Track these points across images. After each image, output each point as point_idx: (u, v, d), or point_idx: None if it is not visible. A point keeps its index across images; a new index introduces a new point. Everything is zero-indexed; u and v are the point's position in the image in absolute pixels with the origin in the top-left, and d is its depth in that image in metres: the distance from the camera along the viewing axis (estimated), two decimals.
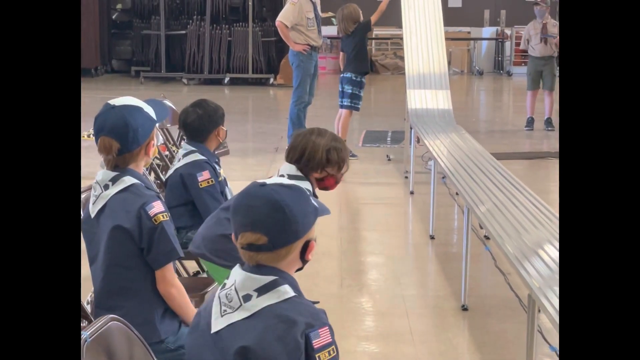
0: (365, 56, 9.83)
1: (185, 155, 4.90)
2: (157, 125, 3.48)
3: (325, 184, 3.94)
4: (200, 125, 4.87)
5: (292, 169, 3.91)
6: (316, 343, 2.32)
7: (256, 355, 2.32)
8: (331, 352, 2.33)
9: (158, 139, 6.25)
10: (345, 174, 4.01)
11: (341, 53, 10.03)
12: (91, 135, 8.26)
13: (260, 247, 2.38)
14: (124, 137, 3.32)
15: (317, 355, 2.32)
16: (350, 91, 9.78)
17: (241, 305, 2.37)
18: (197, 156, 4.84)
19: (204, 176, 4.78)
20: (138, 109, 3.37)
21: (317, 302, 2.46)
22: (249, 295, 2.38)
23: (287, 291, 2.38)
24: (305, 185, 3.85)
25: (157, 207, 3.33)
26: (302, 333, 2.32)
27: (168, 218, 3.36)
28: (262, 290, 2.38)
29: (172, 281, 3.38)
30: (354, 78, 9.75)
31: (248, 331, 2.36)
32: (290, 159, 3.93)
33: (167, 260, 3.35)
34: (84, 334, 2.38)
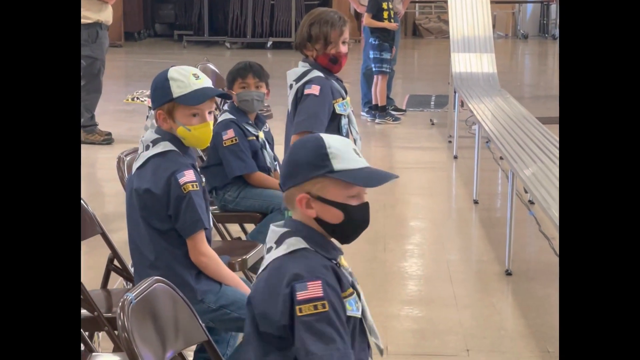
0: (381, 18, 9.70)
1: (220, 114, 5.08)
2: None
3: (335, 60, 4.16)
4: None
5: (300, 68, 4.19)
6: (300, 295, 2.25)
7: (254, 307, 2.34)
8: (318, 306, 2.25)
9: None
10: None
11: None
12: (135, 99, 8.30)
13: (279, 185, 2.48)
14: (151, 91, 3.44)
15: (298, 307, 2.25)
16: (372, 56, 9.74)
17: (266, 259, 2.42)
18: (227, 115, 4.98)
19: (228, 134, 4.89)
20: (164, 78, 3.39)
21: (334, 261, 2.41)
22: (270, 247, 2.41)
23: (294, 243, 2.36)
24: (316, 73, 4.12)
25: (188, 176, 3.34)
26: (288, 283, 2.28)
27: (198, 188, 3.36)
28: (277, 242, 2.39)
29: (201, 250, 3.38)
30: (373, 42, 9.68)
31: (257, 284, 2.39)
32: (297, 49, 4.22)
33: (192, 230, 3.35)
34: (130, 296, 2.39)
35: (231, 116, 4.94)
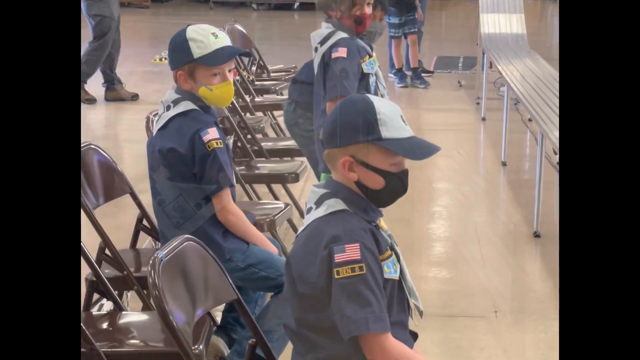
0: None
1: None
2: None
3: (359, 22, 4.15)
4: None
5: (323, 29, 4.16)
6: (338, 257, 2.26)
7: (292, 267, 2.35)
8: (356, 269, 2.25)
9: None
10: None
11: None
12: (163, 59, 8.23)
13: (322, 142, 2.43)
14: (170, 52, 3.46)
15: (335, 270, 2.26)
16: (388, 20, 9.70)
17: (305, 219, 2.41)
18: (342, 34, 4.75)
19: (339, 52, 4.69)
20: (183, 38, 3.40)
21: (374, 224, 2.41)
22: (310, 208, 2.41)
23: (333, 205, 2.36)
24: (340, 35, 4.09)
25: (212, 134, 3.35)
26: (326, 245, 2.28)
27: (222, 145, 3.37)
28: (317, 203, 2.39)
29: (227, 207, 3.39)
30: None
31: (296, 244, 2.40)
32: (321, 9, 4.19)
33: (218, 187, 3.36)
34: (160, 254, 2.39)
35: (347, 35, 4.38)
